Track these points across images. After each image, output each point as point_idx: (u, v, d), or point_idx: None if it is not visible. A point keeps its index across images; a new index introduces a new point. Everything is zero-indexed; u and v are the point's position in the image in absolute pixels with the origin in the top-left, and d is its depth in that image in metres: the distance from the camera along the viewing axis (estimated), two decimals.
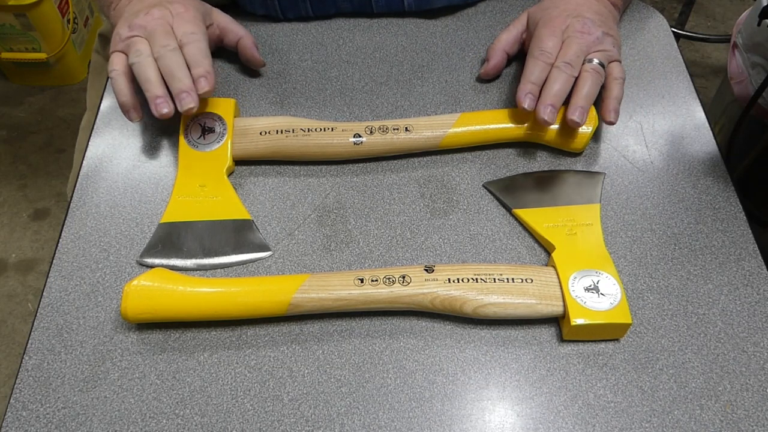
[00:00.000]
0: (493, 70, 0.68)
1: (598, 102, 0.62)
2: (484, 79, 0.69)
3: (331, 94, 0.68)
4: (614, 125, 0.65)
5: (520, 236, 0.58)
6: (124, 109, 0.60)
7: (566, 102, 0.60)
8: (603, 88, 0.62)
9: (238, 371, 0.51)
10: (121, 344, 0.52)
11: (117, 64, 0.60)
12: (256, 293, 0.51)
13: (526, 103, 0.59)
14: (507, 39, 0.68)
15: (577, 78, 0.60)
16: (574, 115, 0.58)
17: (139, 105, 0.60)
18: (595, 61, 0.60)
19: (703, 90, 1.83)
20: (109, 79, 0.59)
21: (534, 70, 0.60)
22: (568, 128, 0.61)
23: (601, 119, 0.61)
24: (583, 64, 0.60)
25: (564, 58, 0.60)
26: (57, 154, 1.78)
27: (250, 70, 0.71)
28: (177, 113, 0.58)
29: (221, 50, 0.71)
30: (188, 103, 0.56)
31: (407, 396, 0.49)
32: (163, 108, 0.57)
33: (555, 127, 0.62)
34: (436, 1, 0.73)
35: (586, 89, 0.59)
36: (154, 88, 0.57)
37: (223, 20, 0.68)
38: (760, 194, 0.86)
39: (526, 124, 0.62)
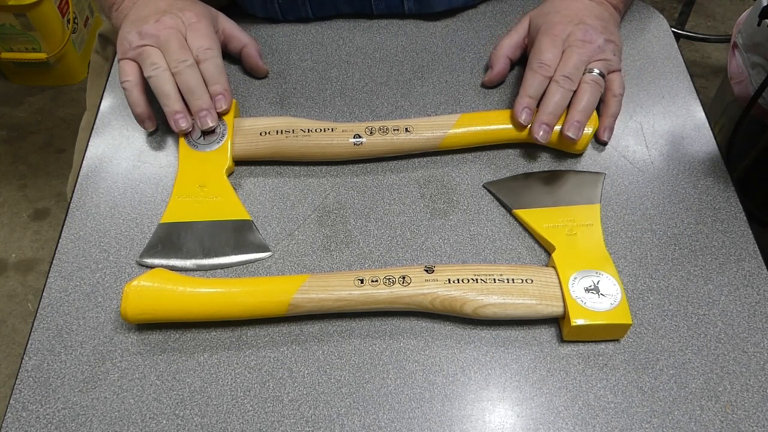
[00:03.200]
0: (497, 77, 0.68)
1: (597, 112, 0.62)
2: (488, 87, 0.69)
3: (331, 94, 0.68)
4: (614, 125, 0.65)
5: (520, 236, 0.58)
6: (140, 120, 0.62)
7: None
8: (601, 101, 0.62)
9: (238, 372, 0.51)
10: (121, 345, 0.52)
11: (130, 74, 0.60)
12: (256, 294, 0.51)
13: (523, 117, 0.60)
14: (509, 44, 0.68)
15: (576, 90, 0.60)
16: (569, 131, 0.59)
17: (153, 115, 0.62)
18: (596, 71, 0.61)
19: (703, 90, 1.83)
20: (123, 90, 0.61)
21: (533, 83, 0.61)
22: None
23: (595, 137, 0.61)
24: (583, 74, 0.61)
25: (563, 71, 0.60)
26: (57, 154, 1.78)
27: None
28: None
29: (222, 51, 0.71)
30: (208, 122, 0.59)
31: (407, 396, 0.49)
32: (182, 123, 0.59)
33: (555, 128, 0.62)
34: (436, 5, 0.73)
35: (584, 102, 0.60)
36: (173, 104, 0.59)
37: (229, 26, 0.68)
38: (760, 194, 0.86)
39: (526, 126, 0.62)
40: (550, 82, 0.61)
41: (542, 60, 0.61)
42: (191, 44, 0.61)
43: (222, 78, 0.61)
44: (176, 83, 0.59)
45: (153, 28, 0.60)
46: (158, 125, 0.64)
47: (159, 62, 0.59)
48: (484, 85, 0.69)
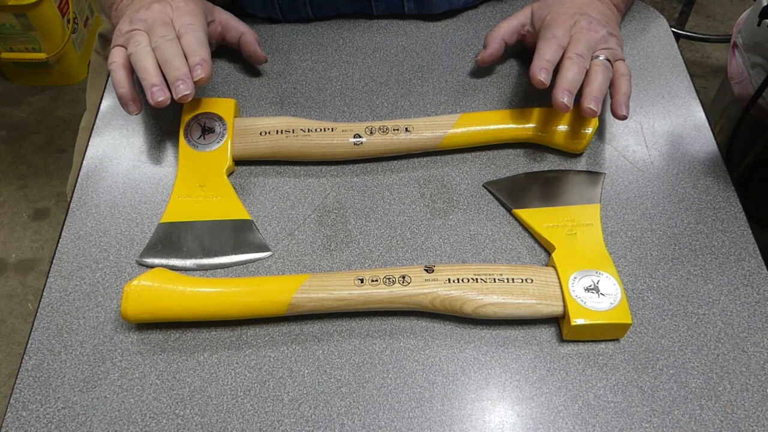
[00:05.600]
0: (490, 57, 0.67)
1: (605, 100, 0.62)
2: (481, 67, 0.69)
3: (331, 94, 0.68)
4: (614, 125, 0.65)
5: (520, 236, 0.58)
6: (123, 102, 0.59)
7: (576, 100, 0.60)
8: (610, 86, 0.61)
9: (238, 371, 0.51)
10: (121, 344, 0.52)
11: (116, 56, 0.60)
12: (256, 293, 0.51)
13: (542, 76, 0.58)
14: (507, 28, 0.67)
15: (587, 72, 0.60)
16: (591, 104, 0.57)
17: (138, 98, 0.60)
18: (602, 57, 0.60)
19: (703, 90, 1.83)
20: (109, 72, 0.59)
21: (548, 50, 0.59)
22: (569, 129, 0.61)
23: (613, 115, 0.60)
24: (591, 59, 0.60)
25: (575, 49, 0.59)
26: (57, 154, 1.78)
27: (251, 70, 0.71)
28: (176, 107, 0.58)
29: (222, 51, 0.71)
30: (183, 90, 0.56)
31: (407, 396, 0.49)
32: (158, 96, 0.56)
33: (559, 128, 0.62)
34: (437, 6, 0.73)
35: (598, 82, 0.58)
36: (150, 77, 0.57)
37: (225, 17, 0.68)
38: (760, 194, 0.86)
39: (526, 125, 0.62)
40: (563, 58, 0.59)
41: (554, 33, 0.60)
42: (175, 23, 0.60)
43: (202, 50, 0.58)
44: (156, 58, 0.58)
45: (143, 15, 0.60)
46: (142, 108, 0.62)
47: (141, 40, 0.58)
48: (477, 66, 0.69)
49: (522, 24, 0.68)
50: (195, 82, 0.57)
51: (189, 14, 0.61)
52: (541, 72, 0.58)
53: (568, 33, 0.61)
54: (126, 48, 0.60)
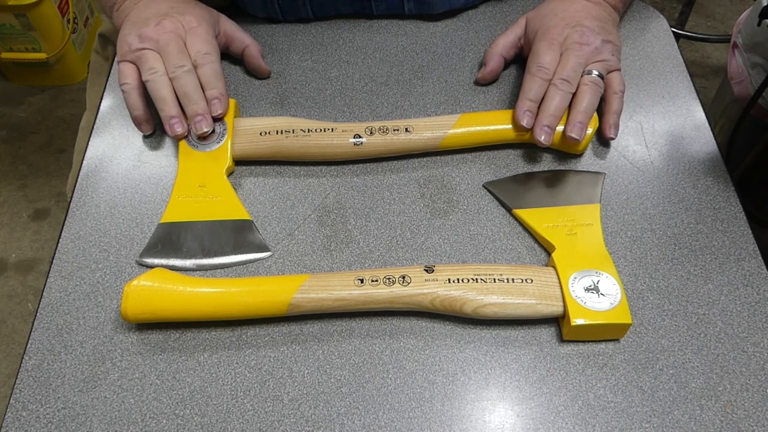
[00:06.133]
0: (491, 75, 0.68)
1: (599, 111, 0.62)
2: (481, 84, 0.69)
3: (331, 94, 0.68)
4: (618, 123, 0.65)
5: (520, 236, 0.58)
6: (137, 122, 0.62)
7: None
8: (602, 101, 0.62)
9: (238, 371, 0.51)
10: (121, 344, 0.52)
11: (129, 77, 0.61)
12: (256, 293, 0.51)
13: (525, 121, 0.60)
14: (504, 44, 0.68)
15: (576, 92, 0.60)
16: (572, 132, 0.59)
17: (151, 119, 0.63)
18: (594, 72, 0.61)
19: (703, 90, 1.83)
20: (122, 92, 0.62)
21: (532, 87, 0.61)
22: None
23: (602, 135, 0.61)
24: (582, 76, 0.61)
25: (561, 74, 0.60)
26: (57, 154, 1.78)
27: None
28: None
29: (223, 52, 0.71)
30: (203, 127, 0.59)
31: (407, 396, 0.49)
32: (177, 128, 0.60)
33: (558, 128, 0.62)
34: (437, 6, 0.73)
35: (585, 103, 0.60)
36: (169, 109, 0.59)
37: (230, 28, 0.68)
38: (760, 194, 0.86)
39: (528, 129, 0.62)
40: (549, 86, 0.61)
41: (540, 63, 0.61)
42: (190, 49, 0.61)
43: (219, 83, 0.61)
44: (173, 88, 0.60)
45: (153, 32, 0.60)
46: (155, 129, 0.64)
47: (157, 67, 0.59)
48: (477, 82, 0.69)
49: (518, 37, 0.68)
50: (212, 117, 0.60)
51: (203, 41, 0.62)
52: (524, 116, 0.60)
53: (557, 54, 0.62)
54: (136, 66, 0.61)
